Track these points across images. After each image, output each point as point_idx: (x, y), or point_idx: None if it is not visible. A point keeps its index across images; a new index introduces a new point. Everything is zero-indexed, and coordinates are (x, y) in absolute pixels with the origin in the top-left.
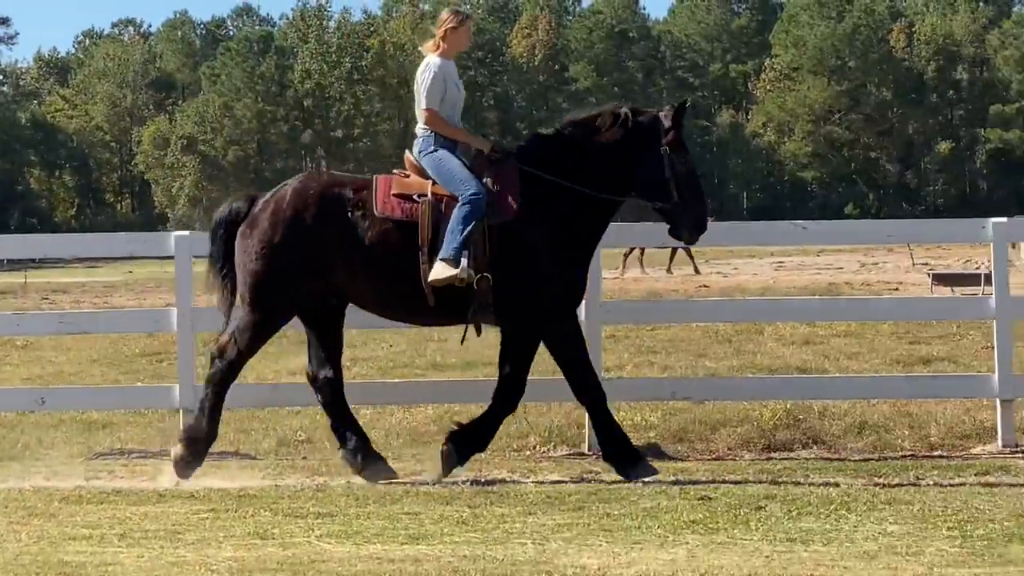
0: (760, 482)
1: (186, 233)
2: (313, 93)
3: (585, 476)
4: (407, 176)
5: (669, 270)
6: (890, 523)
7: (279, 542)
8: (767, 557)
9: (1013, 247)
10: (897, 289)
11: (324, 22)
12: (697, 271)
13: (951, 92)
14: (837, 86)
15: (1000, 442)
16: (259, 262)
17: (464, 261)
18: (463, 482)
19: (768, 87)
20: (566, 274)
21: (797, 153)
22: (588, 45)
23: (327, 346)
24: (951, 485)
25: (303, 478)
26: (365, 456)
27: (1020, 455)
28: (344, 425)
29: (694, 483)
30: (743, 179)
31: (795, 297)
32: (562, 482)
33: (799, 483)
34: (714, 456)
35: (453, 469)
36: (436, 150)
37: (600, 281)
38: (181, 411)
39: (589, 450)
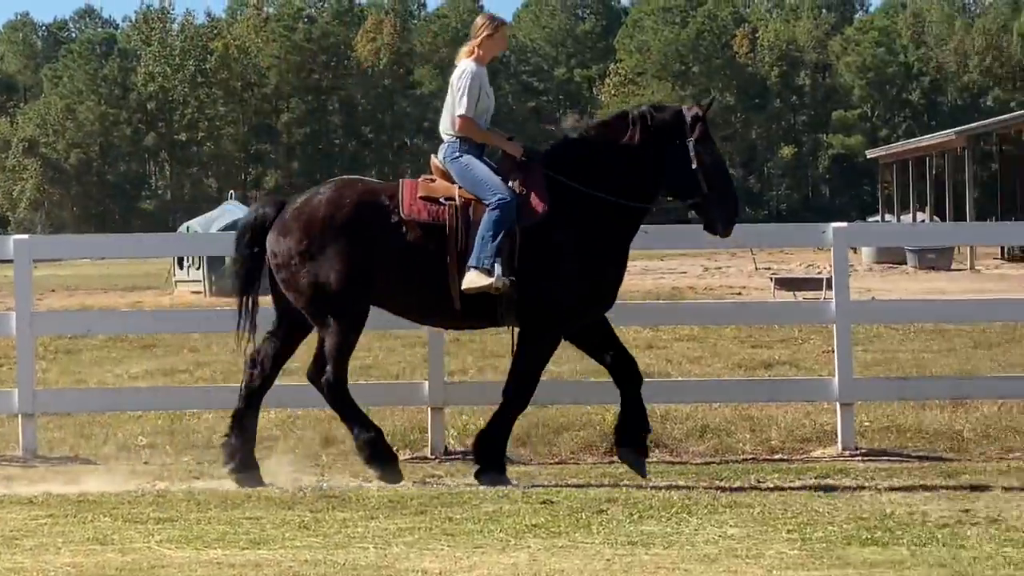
0: (602, 486)
1: (25, 237)
2: (157, 96)
3: (428, 480)
4: (433, 180)
5: None
6: (731, 526)
7: (118, 548)
8: (608, 560)
9: (854, 251)
10: (740, 293)
11: (167, 24)
12: None
13: (794, 98)
14: (681, 91)
15: (840, 445)
16: (300, 273)
17: (498, 269)
18: (305, 487)
19: (613, 92)
20: (591, 278)
21: None
22: (433, 48)
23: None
24: (791, 488)
25: (143, 483)
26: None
27: (859, 458)
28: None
29: (537, 487)
30: None
31: (639, 301)
32: (404, 486)
33: (641, 486)
34: (557, 460)
35: (645, 462)
36: (461, 156)
37: None
38: (20, 416)
39: (432, 454)
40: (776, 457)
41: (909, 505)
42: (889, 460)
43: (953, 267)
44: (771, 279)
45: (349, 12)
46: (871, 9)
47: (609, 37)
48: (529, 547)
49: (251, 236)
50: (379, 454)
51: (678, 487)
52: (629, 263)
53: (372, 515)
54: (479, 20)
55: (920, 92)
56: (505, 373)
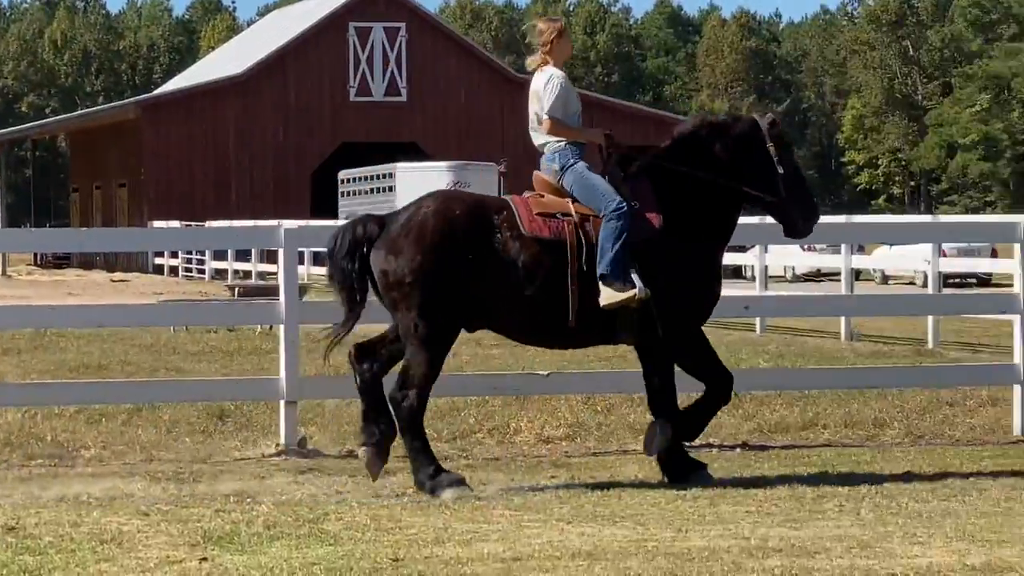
0: None
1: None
2: None
3: None
4: (542, 196)
5: None
6: None
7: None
8: None
9: None
10: None
11: None
12: None
13: None
14: None
15: None
16: (413, 291)
17: (637, 281)
18: None
19: None
20: (707, 279)
21: None
22: None
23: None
24: None
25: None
26: (382, 451)
27: None
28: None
29: None
30: None
31: None
32: None
33: None
34: None
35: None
36: (576, 163)
37: None
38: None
39: None
40: None
41: None
42: None
43: None
44: None
45: None
46: None
47: None
48: None
49: (353, 253)
50: (449, 484)
51: None
52: None
53: None
54: (542, 26)
55: None
56: None
